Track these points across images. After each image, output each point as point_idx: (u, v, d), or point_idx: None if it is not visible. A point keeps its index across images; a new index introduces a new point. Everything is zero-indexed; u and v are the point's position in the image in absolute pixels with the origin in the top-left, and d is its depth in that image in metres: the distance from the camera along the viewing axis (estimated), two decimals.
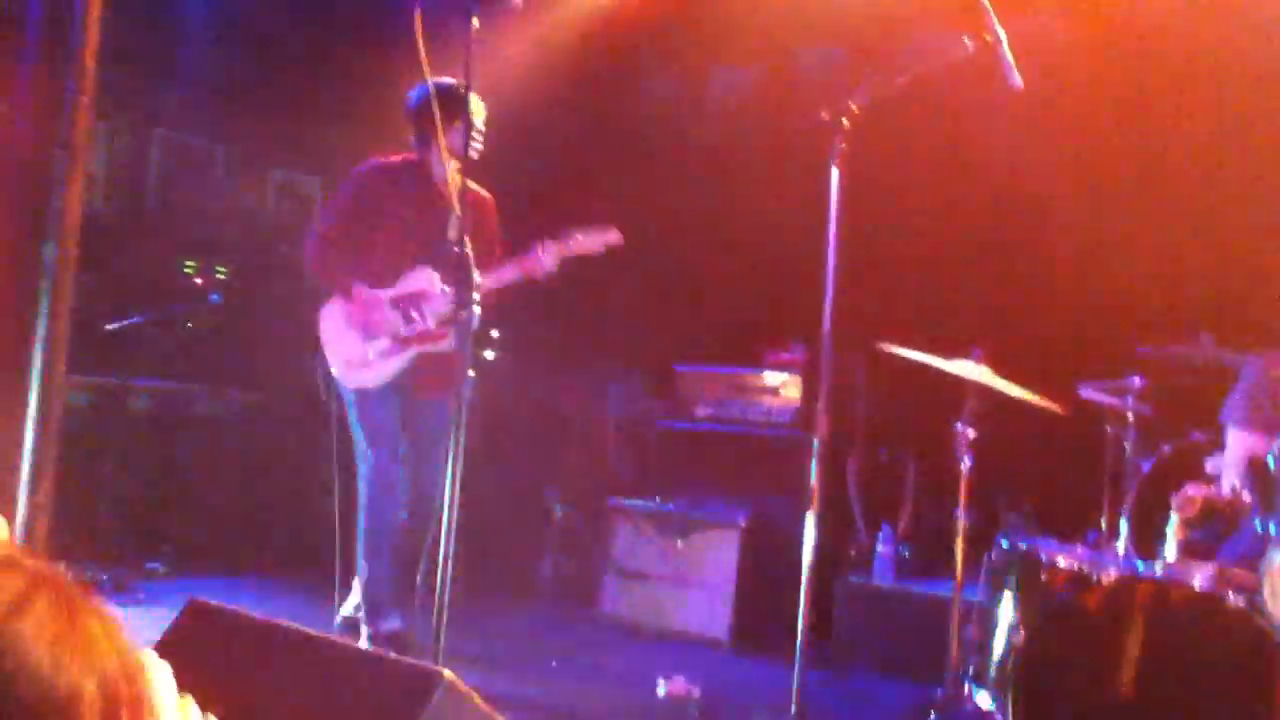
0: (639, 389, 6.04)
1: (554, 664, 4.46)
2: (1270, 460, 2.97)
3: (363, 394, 4.28)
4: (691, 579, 5.16)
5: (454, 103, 3.87)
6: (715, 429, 5.52)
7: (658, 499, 5.37)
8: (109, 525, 5.25)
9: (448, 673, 2.07)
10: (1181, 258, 4.88)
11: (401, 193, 4.36)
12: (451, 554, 2.75)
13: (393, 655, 2.21)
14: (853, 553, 5.36)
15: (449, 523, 2.75)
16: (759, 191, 5.73)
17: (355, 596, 4.34)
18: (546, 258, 4.19)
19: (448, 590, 2.73)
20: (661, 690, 4.14)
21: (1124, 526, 3.78)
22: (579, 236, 4.21)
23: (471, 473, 4.96)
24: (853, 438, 5.64)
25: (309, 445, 5.27)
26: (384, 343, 4.24)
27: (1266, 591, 2.85)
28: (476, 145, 4.17)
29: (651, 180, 6.20)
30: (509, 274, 4.21)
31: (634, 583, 5.28)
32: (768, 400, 5.45)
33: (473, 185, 4.56)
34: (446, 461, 2.91)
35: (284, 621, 2.30)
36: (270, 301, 6.08)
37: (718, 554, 5.12)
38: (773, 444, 5.30)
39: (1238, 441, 3.74)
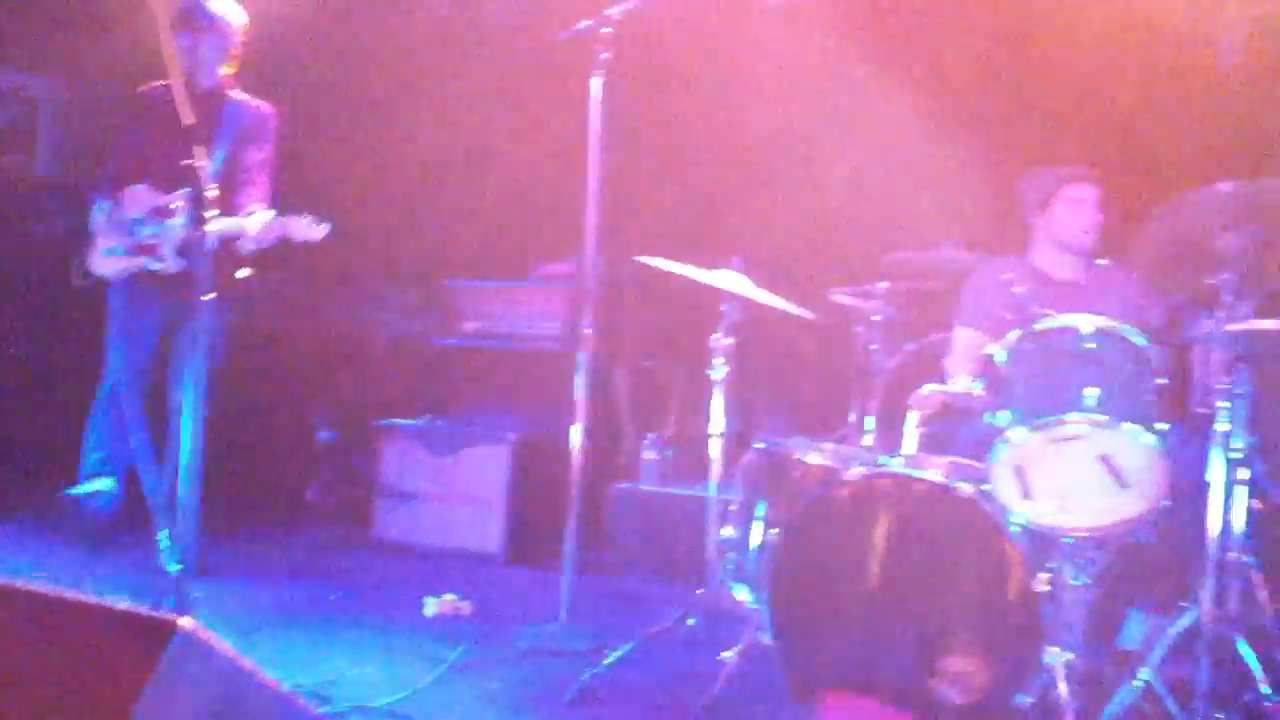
0: (409, 306, 5.92)
1: (332, 597, 4.37)
2: (997, 357, 3.18)
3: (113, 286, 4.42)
4: (463, 496, 5.15)
5: (188, 13, 4.19)
6: (486, 345, 5.48)
7: (428, 417, 5.31)
8: None
9: (185, 621, 2.01)
10: (927, 171, 5.12)
11: (152, 107, 4.40)
12: (198, 479, 2.63)
13: (131, 606, 2.12)
14: (622, 461, 5.48)
15: (191, 446, 2.63)
16: (530, 104, 5.66)
17: None
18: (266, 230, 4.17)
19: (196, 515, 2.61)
20: (430, 609, 4.13)
21: (871, 424, 4.00)
22: (295, 222, 4.16)
23: (233, 396, 4.79)
24: (621, 348, 5.72)
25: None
26: (118, 247, 4.38)
27: (994, 480, 3.07)
28: (214, 56, 4.20)
29: (422, 95, 6.02)
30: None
31: (405, 503, 5.22)
32: (537, 315, 5.44)
33: (244, 97, 4.53)
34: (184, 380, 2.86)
35: (13, 579, 2.18)
36: None
37: (489, 469, 5.12)
38: (542, 358, 5.31)
39: (966, 339, 4.00)
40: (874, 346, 4.54)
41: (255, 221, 4.15)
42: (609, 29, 3.64)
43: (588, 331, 3.90)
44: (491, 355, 5.45)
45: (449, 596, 4.19)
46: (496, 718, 3.24)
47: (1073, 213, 3.94)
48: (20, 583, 2.26)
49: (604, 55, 3.58)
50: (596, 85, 3.57)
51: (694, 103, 5.53)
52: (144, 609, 2.11)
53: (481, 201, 5.99)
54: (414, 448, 5.25)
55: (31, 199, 6.01)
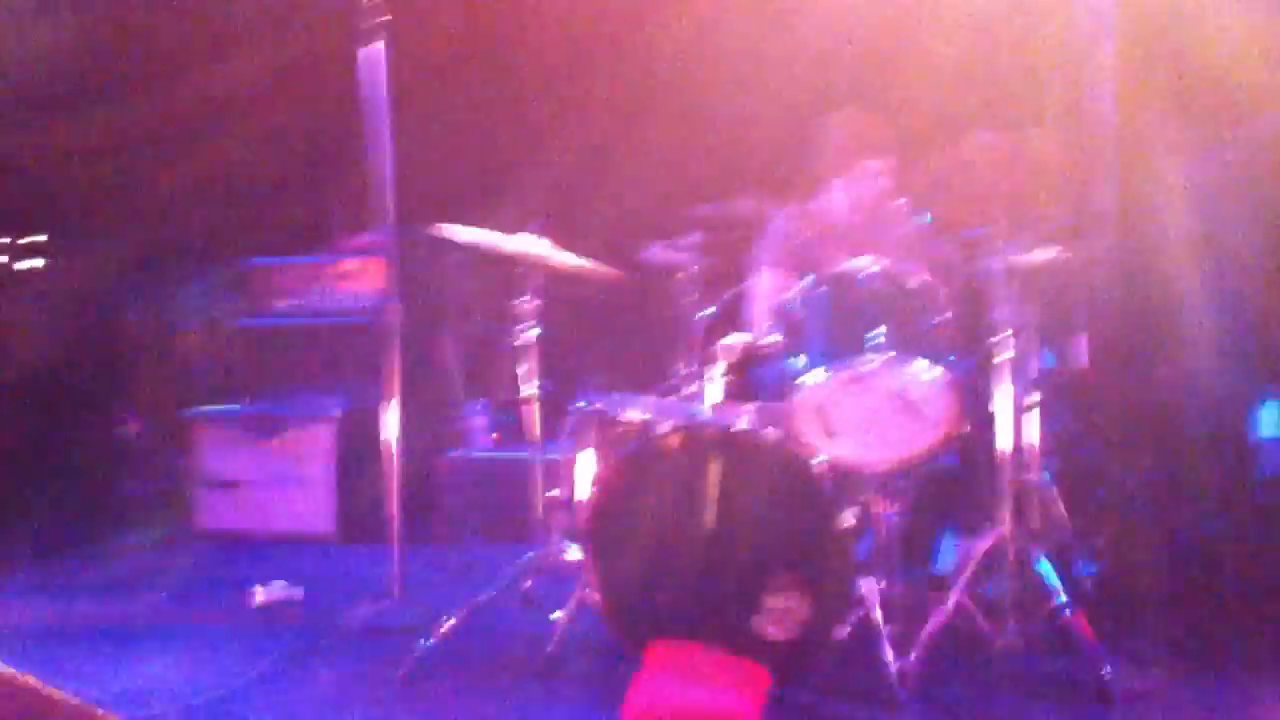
0: (208, 289, 5.71)
1: (154, 596, 4.21)
2: (790, 303, 3.26)
3: None
4: (290, 478, 5.04)
5: None
6: (296, 322, 5.34)
7: (243, 402, 5.16)
8: None
9: None
10: (726, 123, 5.18)
11: None
12: None
13: None
14: (453, 428, 5.43)
15: None
16: (318, 70, 5.48)
17: None
18: None
19: None
20: (258, 598, 4.04)
21: (689, 375, 4.05)
22: None
23: (25, 399, 4.55)
24: (444, 314, 5.65)
25: None
26: None
27: (797, 421, 3.16)
28: None
29: (208, 70, 5.77)
30: None
31: (227, 491, 5.07)
32: (347, 288, 5.32)
33: None
34: None
35: None
36: None
37: (314, 449, 5.02)
38: (356, 332, 5.21)
39: (763, 286, 4.08)
40: (689, 299, 4.60)
41: None
42: None
43: (394, 299, 3.84)
44: (303, 333, 5.32)
45: (278, 583, 4.10)
46: (325, 705, 3.19)
47: (864, 183, 3.97)
48: None
49: (385, 18, 3.49)
50: (376, 50, 3.49)
51: (489, 65, 5.46)
52: None
53: (270, 175, 5.79)
54: (231, 434, 5.09)
55: None
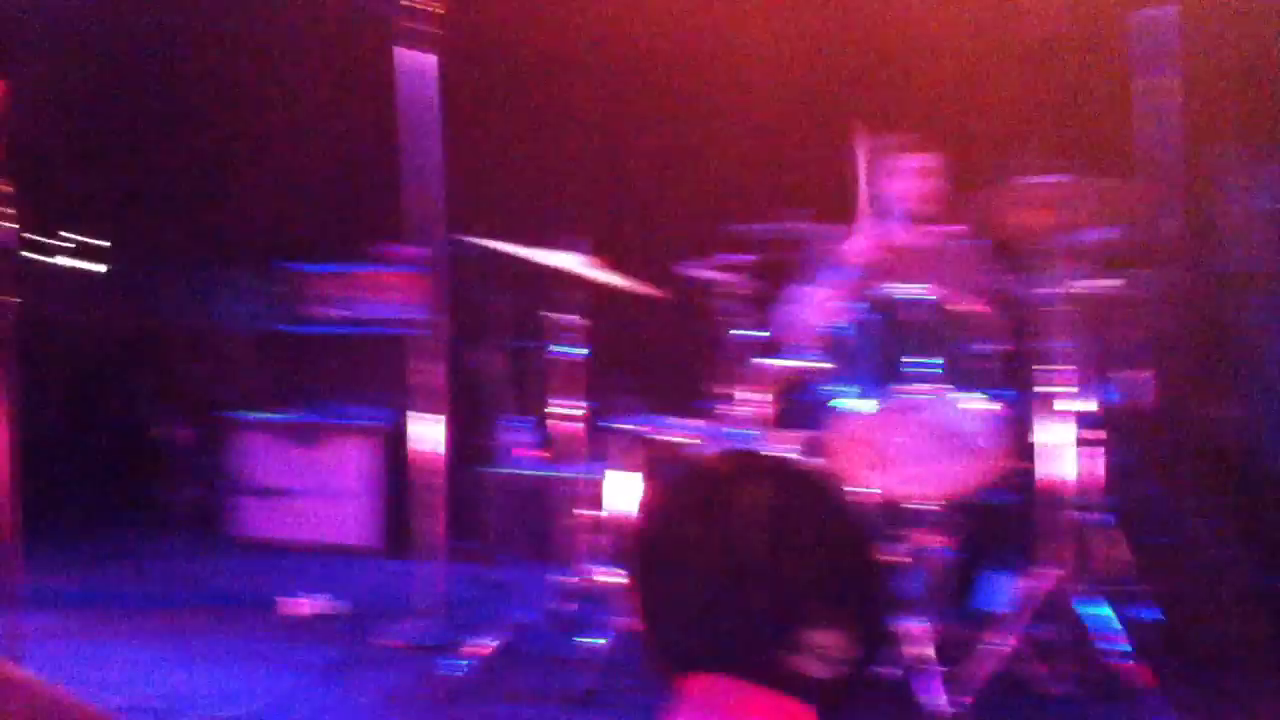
0: (259, 294, 5.70)
1: (190, 603, 4.18)
2: (838, 328, 3.17)
3: None
4: (332, 489, 5.01)
5: None
6: (342, 332, 5.32)
7: (289, 410, 5.14)
8: None
9: None
10: (775, 142, 5.11)
11: None
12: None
13: None
14: (496, 444, 5.38)
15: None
16: (370, 82, 5.48)
17: None
18: None
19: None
20: (296, 609, 4.00)
21: (731, 399, 3.97)
22: None
23: (67, 397, 4.55)
24: (487, 329, 5.61)
25: None
26: None
27: (841, 452, 3.06)
28: None
29: (263, 79, 5.80)
30: None
31: (267, 499, 5.05)
32: (394, 299, 5.29)
33: None
34: None
35: None
36: None
37: (358, 461, 4.99)
38: (402, 344, 5.17)
39: (815, 308, 3.98)
40: (733, 320, 4.51)
41: None
42: (440, 4, 3.52)
43: (440, 313, 3.80)
44: (349, 343, 5.30)
45: (317, 595, 4.06)
46: None
47: (911, 180, 3.94)
48: None
49: (437, 32, 3.47)
50: (424, 59, 3.46)
51: (537, 80, 5.43)
52: None
53: (321, 183, 5.80)
54: (273, 441, 5.07)
55: None
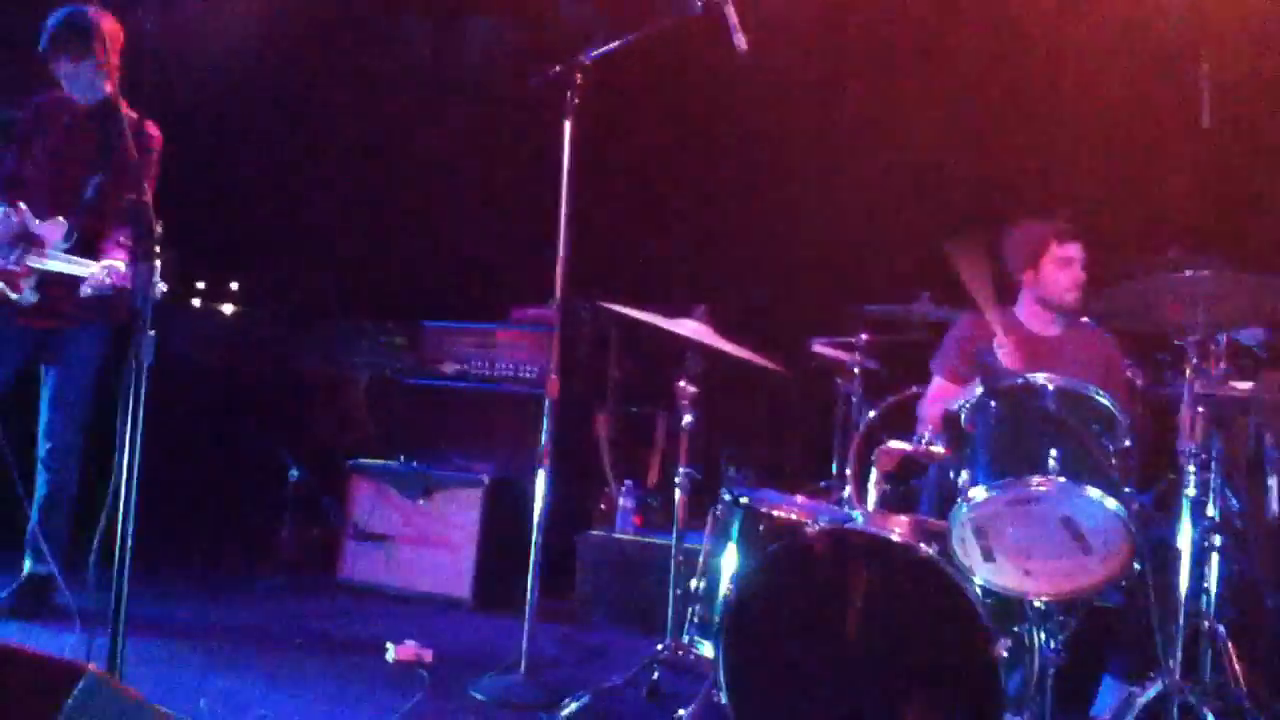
0: (384, 346, 5.87)
1: (297, 642, 4.27)
2: (960, 413, 3.12)
3: None
4: (434, 539, 5.08)
5: (72, 35, 4.02)
6: (461, 386, 5.43)
7: (400, 458, 5.25)
8: None
9: (93, 667, 2.01)
10: (902, 222, 5.09)
11: (49, 130, 4.23)
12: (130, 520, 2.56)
13: (39, 651, 2.09)
14: (602, 507, 5.40)
15: (125, 485, 2.55)
16: (508, 147, 5.65)
17: None
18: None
19: (126, 559, 2.54)
20: (390, 655, 4.05)
21: (847, 477, 3.94)
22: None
23: (201, 436, 4.70)
24: (603, 393, 5.67)
25: None
26: None
27: (955, 539, 3.00)
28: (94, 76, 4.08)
29: (403, 133, 6.02)
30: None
31: (375, 545, 5.15)
32: (513, 357, 5.39)
33: (131, 116, 4.16)
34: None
35: None
36: None
37: (461, 513, 5.06)
38: (517, 401, 5.26)
39: (940, 388, 3.94)
40: (853, 398, 4.49)
41: (101, 268, 3.91)
42: (581, 74, 3.64)
43: (553, 372, 3.85)
44: (467, 397, 5.40)
45: (410, 643, 4.11)
46: None
47: (1061, 270, 3.89)
48: None
49: (574, 101, 3.58)
50: (566, 130, 3.56)
51: (671, 146, 5.52)
52: (50, 654, 2.07)
53: (459, 243, 5.97)
54: (386, 489, 5.19)
55: None
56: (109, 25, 4.08)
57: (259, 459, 5.46)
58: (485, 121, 5.91)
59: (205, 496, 5.49)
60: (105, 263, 3.95)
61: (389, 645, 4.08)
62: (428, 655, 4.08)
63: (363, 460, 5.28)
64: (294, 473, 5.31)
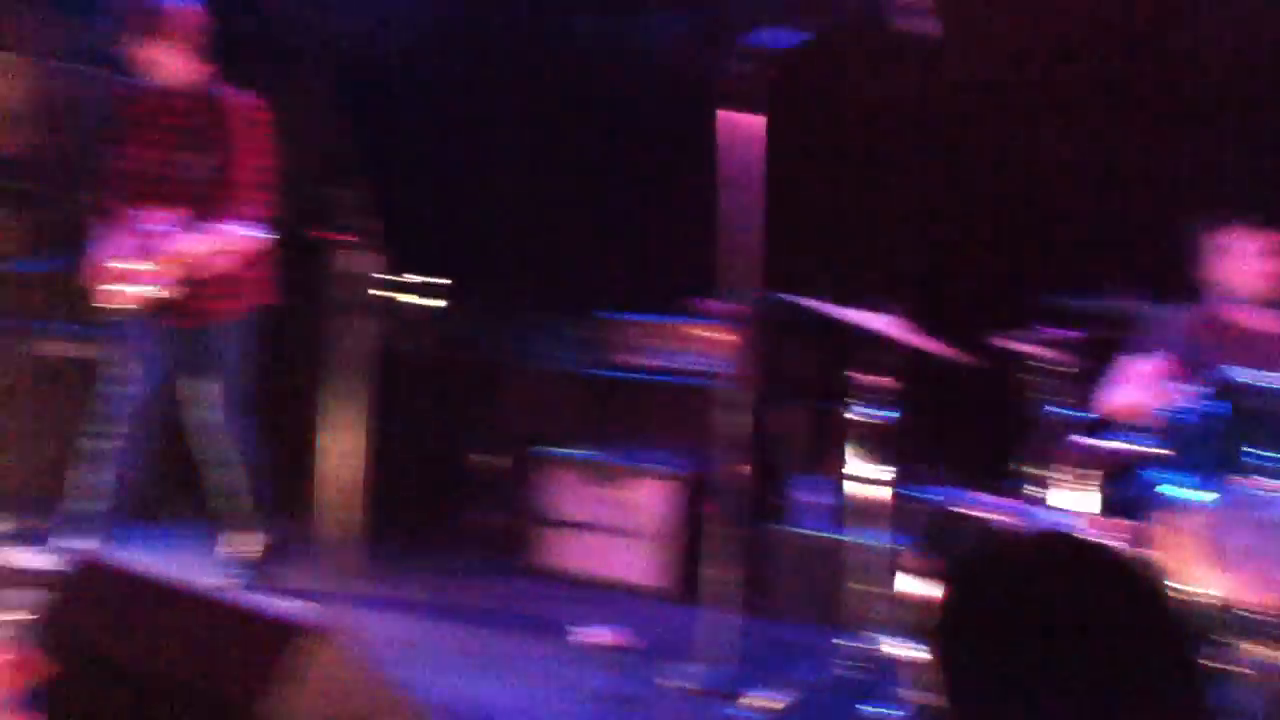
0: (568, 337, 5.98)
1: (486, 624, 4.37)
2: (1179, 412, 2.97)
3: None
4: (630, 528, 5.15)
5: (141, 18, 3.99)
6: (647, 379, 5.50)
7: (590, 448, 5.35)
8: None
9: (322, 624, 2.06)
10: (1106, 214, 4.89)
11: (138, 119, 4.22)
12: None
13: (269, 609, 2.19)
14: (791, 502, 5.37)
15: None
16: (699, 137, 5.64)
17: None
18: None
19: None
20: (579, 638, 4.10)
21: (1046, 479, 3.80)
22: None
23: (393, 424, 4.87)
24: (789, 387, 5.64)
25: None
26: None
27: (1174, 547, 2.86)
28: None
29: (572, 130, 6.10)
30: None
31: (565, 532, 5.26)
32: (700, 350, 5.42)
33: (228, 91, 4.17)
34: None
35: (170, 576, 2.29)
36: None
37: (657, 503, 5.11)
38: (705, 394, 5.28)
39: (1146, 387, 3.76)
40: (1047, 396, 4.32)
41: (221, 240, 3.98)
42: (775, 63, 3.61)
43: (748, 366, 3.85)
44: (652, 389, 5.46)
45: (599, 627, 4.17)
46: None
47: (1253, 262, 3.73)
48: (195, 585, 2.35)
49: (766, 94, 3.57)
50: (759, 123, 3.55)
51: (859, 140, 5.43)
52: (278, 608, 2.17)
53: (638, 233, 6.00)
54: (574, 478, 5.29)
55: None
56: (178, 5, 4.08)
57: (449, 444, 5.63)
58: (662, 118, 5.92)
59: (408, 483, 5.68)
60: (231, 234, 3.99)
61: (577, 629, 4.16)
62: (618, 639, 4.13)
63: (551, 449, 5.39)
64: (483, 459, 5.44)
